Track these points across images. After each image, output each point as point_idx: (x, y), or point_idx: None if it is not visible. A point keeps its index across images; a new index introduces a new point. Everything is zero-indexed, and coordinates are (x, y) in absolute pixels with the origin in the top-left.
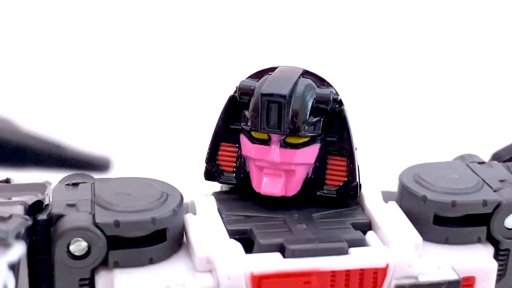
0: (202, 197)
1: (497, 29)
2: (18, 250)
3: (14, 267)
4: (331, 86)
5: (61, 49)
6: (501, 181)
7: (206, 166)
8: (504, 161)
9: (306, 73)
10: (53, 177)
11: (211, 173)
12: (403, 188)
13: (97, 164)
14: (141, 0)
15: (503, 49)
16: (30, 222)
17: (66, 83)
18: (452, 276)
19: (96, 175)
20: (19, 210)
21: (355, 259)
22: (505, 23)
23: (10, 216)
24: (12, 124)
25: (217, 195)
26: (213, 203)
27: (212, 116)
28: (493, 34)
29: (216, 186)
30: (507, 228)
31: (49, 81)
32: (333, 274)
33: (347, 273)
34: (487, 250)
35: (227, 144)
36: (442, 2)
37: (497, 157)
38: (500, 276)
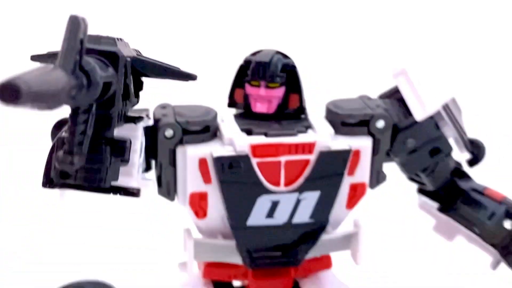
0: (227, 114)
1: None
2: (150, 121)
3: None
4: (290, 58)
5: None
6: (377, 105)
7: (228, 100)
8: (380, 97)
9: (277, 53)
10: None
11: (231, 103)
12: (327, 109)
13: None
14: None
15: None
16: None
17: None
18: (348, 147)
19: None
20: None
21: (299, 138)
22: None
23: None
24: None
25: (234, 115)
26: (232, 117)
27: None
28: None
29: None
30: (378, 127)
31: None
32: (289, 145)
33: (296, 145)
34: (368, 138)
35: (239, 89)
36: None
37: (379, 96)
38: (374, 152)
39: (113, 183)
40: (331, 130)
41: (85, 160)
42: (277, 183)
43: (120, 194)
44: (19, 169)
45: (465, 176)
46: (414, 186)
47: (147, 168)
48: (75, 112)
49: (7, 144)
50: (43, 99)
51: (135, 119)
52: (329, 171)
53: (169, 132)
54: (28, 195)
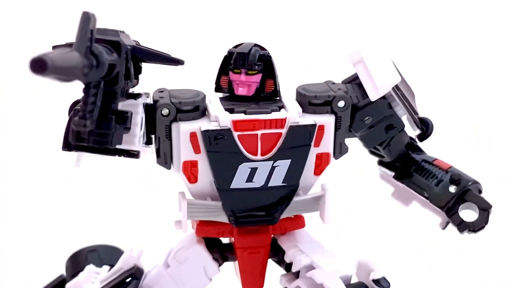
0: (214, 97)
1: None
2: (150, 99)
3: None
4: (266, 50)
5: None
6: (339, 89)
7: (215, 86)
8: (342, 82)
9: (255, 45)
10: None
11: (218, 88)
12: (297, 92)
13: None
14: None
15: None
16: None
17: None
18: (313, 122)
19: None
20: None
21: (273, 115)
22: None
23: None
24: None
25: (220, 97)
26: (218, 99)
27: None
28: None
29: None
30: (339, 106)
31: None
32: (265, 121)
33: (270, 120)
34: (331, 116)
35: (224, 76)
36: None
37: (342, 81)
38: (336, 127)
39: (118, 147)
40: (299, 109)
41: (95, 125)
42: (254, 153)
43: (124, 155)
44: (19, 169)
45: (418, 149)
46: (375, 160)
47: (149, 142)
48: (87, 87)
49: (7, 144)
50: (63, 72)
51: (135, 96)
52: (298, 143)
53: (165, 111)
54: (28, 195)
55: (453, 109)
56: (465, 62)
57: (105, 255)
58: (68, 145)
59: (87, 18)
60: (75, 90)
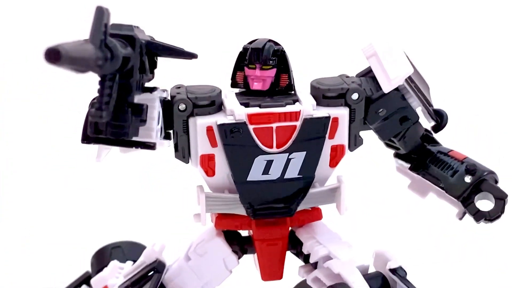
0: (230, 92)
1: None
2: (167, 94)
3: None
4: (280, 45)
5: None
6: (352, 82)
7: (231, 81)
8: (356, 76)
9: (269, 41)
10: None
11: (233, 84)
12: (311, 86)
13: None
14: None
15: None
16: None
17: None
18: (327, 115)
19: None
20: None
21: (287, 108)
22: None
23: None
24: None
25: (236, 93)
26: (233, 94)
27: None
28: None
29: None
30: (353, 99)
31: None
32: (279, 114)
33: (284, 114)
34: (345, 108)
35: (239, 72)
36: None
37: (356, 75)
38: (351, 119)
39: (135, 139)
40: (313, 102)
41: (111, 116)
42: (270, 146)
43: (141, 147)
44: (19, 168)
45: (433, 141)
46: (391, 151)
47: (167, 138)
48: (103, 79)
49: (7, 144)
50: (77, 63)
51: (151, 89)
52: (312, 135)
53: (182, 106)
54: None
55: (453, 109)
56: (465, 62)
57: (129, 251)
58: (86, 138)
59: (101, 12)
60: (75, 91)
